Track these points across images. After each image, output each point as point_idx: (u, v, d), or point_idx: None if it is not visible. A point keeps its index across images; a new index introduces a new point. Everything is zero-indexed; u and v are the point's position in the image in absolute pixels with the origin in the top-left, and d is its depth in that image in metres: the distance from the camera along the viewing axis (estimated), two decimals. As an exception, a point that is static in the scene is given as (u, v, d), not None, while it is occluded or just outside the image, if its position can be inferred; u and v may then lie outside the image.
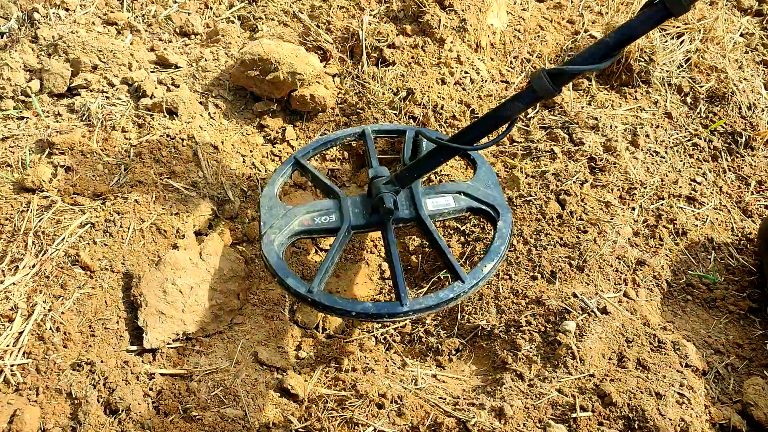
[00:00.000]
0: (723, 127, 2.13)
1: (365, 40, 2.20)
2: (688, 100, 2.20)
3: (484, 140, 1.43)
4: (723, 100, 2.18)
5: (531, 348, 1.55)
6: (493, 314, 1.66)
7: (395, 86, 2.16)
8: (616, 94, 2.24)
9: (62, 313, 1.46)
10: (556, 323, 1.57)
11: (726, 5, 2.54)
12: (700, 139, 2.12)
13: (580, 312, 1.58)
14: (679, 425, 1.31)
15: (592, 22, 2.46)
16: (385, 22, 2.28)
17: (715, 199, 1.98)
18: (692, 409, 1.36)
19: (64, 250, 1.59)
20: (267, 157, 2.07)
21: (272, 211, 1.62)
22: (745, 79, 2.23)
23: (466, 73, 2.23)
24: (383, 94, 2.13)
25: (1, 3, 2.19)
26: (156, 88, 2.05)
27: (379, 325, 1.75)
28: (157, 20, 2.28)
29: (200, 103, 2.08)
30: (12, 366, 1.30)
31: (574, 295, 1.63)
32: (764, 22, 2.53)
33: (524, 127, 2.13)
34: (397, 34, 2.26)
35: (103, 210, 1.71)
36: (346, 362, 1.48)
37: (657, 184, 1.98)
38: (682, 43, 2.26)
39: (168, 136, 1.93)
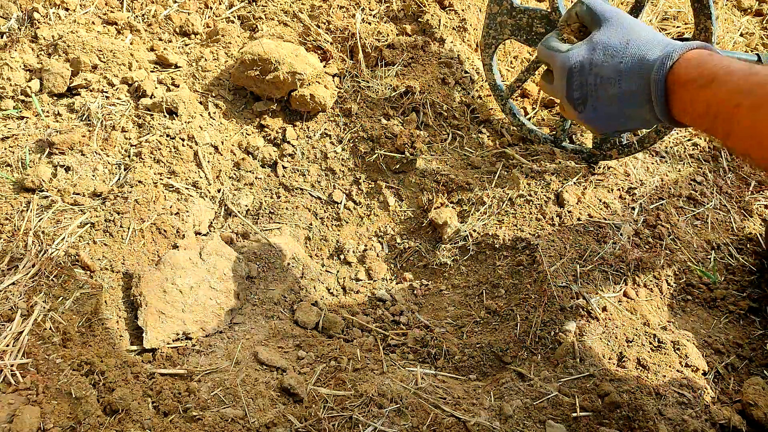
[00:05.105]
0: (723, 127, 2.13)
1: (359, 39, 2.20)
2: (688, 100, 2.20)
3: None
4: (723, 100, 2.18)
5: (531, 348, 1.55)
6: (493, 314, 1.66)
7: (395, 85, 2.16)
8: (616, 94, 2.24)
9: (62, 312, 1.46)
10: (556, 323, 1.57)
11: (726, 5, 2.54)
12: (700, 138, 2.12)
13: (581, 312, 1.58)
14: (679, 425, 1.31)
15: (592, 22, 2.46)
16: (385, 22, 2.28)
17: (715, 199, 1.98)
18: (692, 408, 1.36)
19: (64, 250, 1.59)
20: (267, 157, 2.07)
21: None
22: (745, 79, 2.23)
23: (466, 72, 2.24)
24: (383, 92, 2.13)
25: (1, 3, 2.19)
26: (156, 88, 2.05)
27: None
28: (157, 20, 2.28)
29: (200, 103, 2.08)
30: (12, 366, 1.30)
31: (575, 295, 1.63)
32: (764, 22, 2.53)
33: (524, 127, 2.13)
34: (397, 34, 2.26)
35: (103, 210, 1.71)
36: (346, 362, 1.48)
37: (657, 184, 1.98)
38: (682, 43, 2.26)
39: (168, 136, 1.93)
